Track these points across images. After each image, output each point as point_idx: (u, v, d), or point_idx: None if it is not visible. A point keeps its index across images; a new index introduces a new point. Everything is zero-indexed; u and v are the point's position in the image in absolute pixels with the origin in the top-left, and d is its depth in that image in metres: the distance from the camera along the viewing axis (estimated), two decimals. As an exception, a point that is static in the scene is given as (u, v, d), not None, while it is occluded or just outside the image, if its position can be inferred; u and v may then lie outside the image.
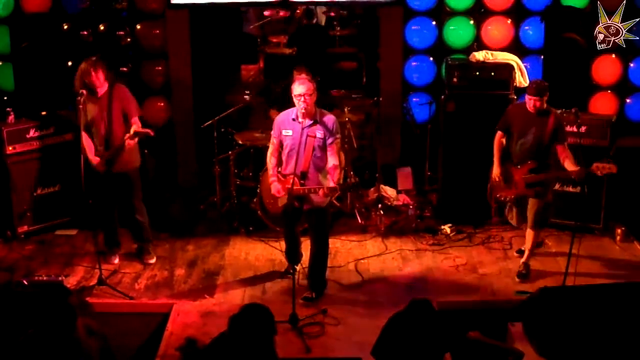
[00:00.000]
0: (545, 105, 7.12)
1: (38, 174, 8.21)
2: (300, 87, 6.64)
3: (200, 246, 8.12)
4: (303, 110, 6.68)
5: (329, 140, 6.73)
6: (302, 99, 6.63)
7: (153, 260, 7.75)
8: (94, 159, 7.29)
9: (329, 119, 6.79)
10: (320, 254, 7.08)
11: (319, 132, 6.72)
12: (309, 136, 6.70)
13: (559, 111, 8.18)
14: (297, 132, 6.75)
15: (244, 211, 8.40)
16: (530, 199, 7.26)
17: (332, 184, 6.67)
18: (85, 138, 7.31)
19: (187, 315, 6.82)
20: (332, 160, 6.75)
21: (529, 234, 7.40)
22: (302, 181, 6.71)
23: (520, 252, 7.67)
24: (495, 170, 7.38)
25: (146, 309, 6.98)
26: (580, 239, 7.14)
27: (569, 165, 7.01)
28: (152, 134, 7.28)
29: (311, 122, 6.73)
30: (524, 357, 5.49)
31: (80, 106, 7.19)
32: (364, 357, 5.57)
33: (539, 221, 7.30)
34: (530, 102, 7.12)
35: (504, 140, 7.38)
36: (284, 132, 6.85)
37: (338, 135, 6.82)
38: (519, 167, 7.22)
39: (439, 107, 8.74)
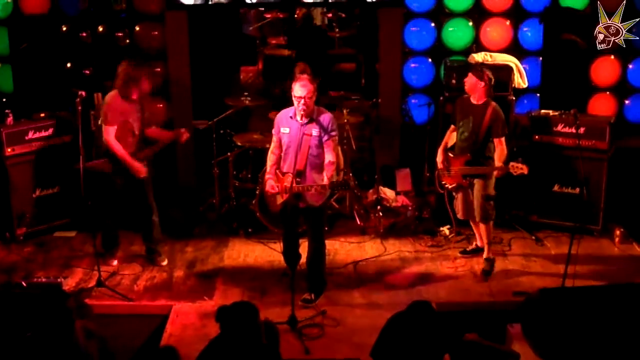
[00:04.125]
0: (489, 92, 7.30)
1: (37, 175, 8.20)
2: (300, 90, 6.64)
3: (199, 248, 8.11)
4: (302, 112, 6.70)
5: (325, 137, 6.74)
6: (302, 101, 6.64)
7: (165, 263, 7.73)
8: (135, 165, 7.26)
9: (326, 117, 6.80)
10: (317, 254, 7.08)
11: (315, 130, 6.73)
12: (305, 135, 6.73)
13: (557, 113, 8.25)
14: (294, 130, 6.78)
15: (243, 213, 8.40)
16: (475, 192, 7.38)
17: (325, 181, 6.69)
18: (117, 143, 7.23)
19: (186, 316, 6.82)
20: (328, 157, 6.75)
21: (480, 228, 7.53)
22: (297, 179, 6.72)
23: (465, 253, 7.80)
24: (438, 157, 7.54)
25: (145, 311, 6.98)
26: (579, 240, 7.13)
27: (496, 161, 7.22)
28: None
29: (307, 120, 6.75)
30: (524, 359, 5.49)
31: (80, 107, 7.20)
32: (363, 359, 5.57)
33: (483, 215, 7.39)
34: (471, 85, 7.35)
35: (454, 134, 7.54)
36: (282, 130, 6.87)
37: (334, 133, 6.82)
38: (457, 158, 7.40)
39: (438, 109, 8.74)
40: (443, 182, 7.57)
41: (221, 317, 4.82)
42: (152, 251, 7.77)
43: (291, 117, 6.81)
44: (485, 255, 7.54)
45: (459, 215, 7.71)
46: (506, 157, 7.19)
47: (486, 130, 7.23)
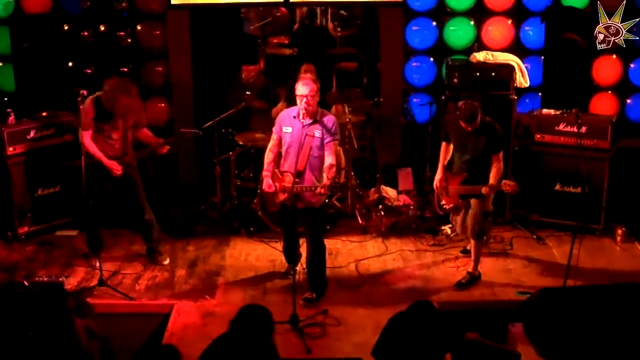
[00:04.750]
0: (478, 125, 7.01)
1: (38, 174, 8.20)
2: (303, 88, 6.66)
3: (201, 247, 8.12)
4: (304, 111, 6.71)
5: (327, 139, 6.74)
6: (305, 99, 6.65)
7: (167, 262, 7.74)
8: (111, 163, 7.27)
9: (329, 119, 6.80)
10: (317, 254, 7.08)
11: (318, 132, 6.74)
12: (308, 135, 6.73)
13: (559, 112, 8.25)
14: (296, 130, 6.79)
15: (244, 212, 8.40)
16: (471, 209, 7.23)
17: (325, 182, 6.68)
18: (92, 145, 7.25)
19: (187, 315, 6.83)
20: (328, 160, 6.75)
21: (471, 243, 7.39)
22: (297, 180, 6.72)
23: (465, 252, 7.74)
24: (438, 176, 7.36)
25: (147, 310, 6.98)
26: (580, 239, 7.14)
27: (490, 178, 7.01)
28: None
29: (311, 121, 6.75)
30: (525, 358, 5.49)
31: (81, 106, 7.20)
32: (364, 358, 5.57)
33: (477, 231, 7.23)
34: (463, 125, 7.04)
35: (450, 148, 7.36)
36: (284, 129, 6.87)
37: (337, 136, 6.82)
38: (454, 177, 7.26)
39: (440, 108, 8.74)
40: (442, 203, 7.43)
41: (237, 325, 4.81)
42: (152, 250, 7.77)
43: (294, 117, 6.81)
44: (470, 269, 7.40)
45: (458, 230, 7.62)
46: (502, 174, 7.03)
47: (484, 149, 7.04)
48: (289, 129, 6.83)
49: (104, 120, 7.24)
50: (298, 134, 6.77)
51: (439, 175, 7.39)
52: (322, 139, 6.74)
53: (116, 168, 7.27)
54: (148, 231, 7.71)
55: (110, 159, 7.27)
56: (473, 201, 7.19)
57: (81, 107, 7.29)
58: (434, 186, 7.43)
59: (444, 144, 7.45)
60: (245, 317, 4.83)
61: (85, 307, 5.88)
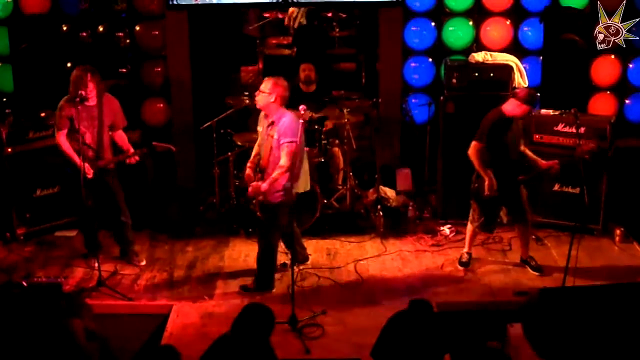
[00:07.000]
0: None
1: (37, 175, 8.20)
2: (262, 84, 6.95)
3: (200, 247, 8.12)
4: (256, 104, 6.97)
5: (280, 141, 6.78)
6: (257, 94, 6.93)
7: (143, 262, 7.73)
8: (83, 164, 7.20)
9: (284, 122, 6.81)
10: (260, 249, 7.16)
11: (276, 133, 6.84)
12: (269, 135, 6.89)
13: (558, 112, 8.27)
14: (264, 130, 7.02)
15: (243, 212, 8.40)
16: (521, 194, 7.53)
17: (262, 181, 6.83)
18: (66, 144, 7.24)
19: (186, 316, 6.83)
20: (281, 160, 6.74)
21: (522, 229, 7.64)
22: (258, 175, 6.93)
23: (463, 265, 7.70)
24: (492, 182, 7.25)
25: (145, 310, 6.98)
26: (579, 239, 7.13)
27: (537, 158, 7.42)
28: (174, 149, 7.54)
29: (271, 121, 6.89)
30: (524, 359, 5.49)
31: (79, 107, 7.17)
32: (363, 358, 5.57)
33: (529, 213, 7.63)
34: (527, 112, 7.25)
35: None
36: (258, 128, 7.14)
37: (288, 139, 6.71)
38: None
39: (438, 108, 8.74)
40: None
41: (239, 323, 4.82)
42: (126, 252, 7.76)
43: (265, 117, 7.00)
44: (527, 254, 7.61)
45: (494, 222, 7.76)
46: None
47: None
48: (260, 128, 7.08)
49: (80, 115, 7.14)
50: (264, 133, 7.00)
51: (492, 180, 7.21)
52: (279, 140, 6.79)
53: (87, 171, 7.19)
54: (122, 232, 7.68)
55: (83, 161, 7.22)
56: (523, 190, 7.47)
57: (57, 110, 7.30)
58: (491, 192, 7.25)
59: (480, 146, 7.25)
60: (248, 315, 4.84)
61: (81, 308, 5.88)
